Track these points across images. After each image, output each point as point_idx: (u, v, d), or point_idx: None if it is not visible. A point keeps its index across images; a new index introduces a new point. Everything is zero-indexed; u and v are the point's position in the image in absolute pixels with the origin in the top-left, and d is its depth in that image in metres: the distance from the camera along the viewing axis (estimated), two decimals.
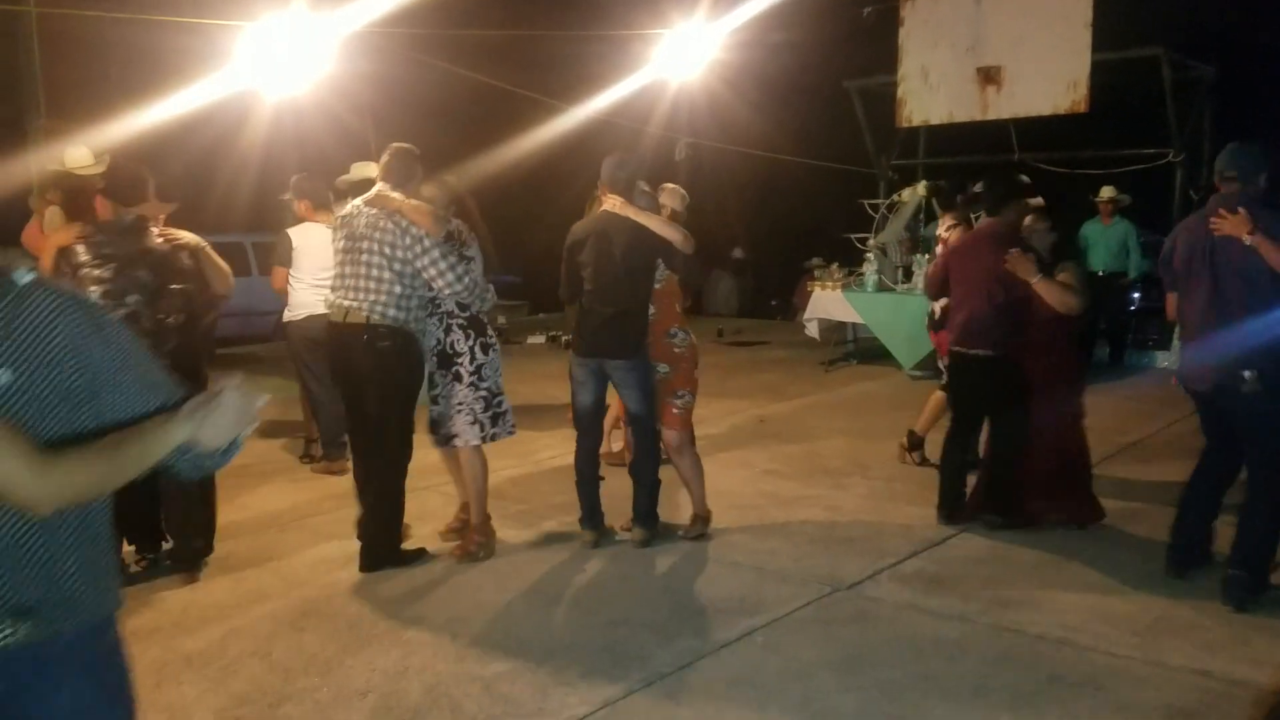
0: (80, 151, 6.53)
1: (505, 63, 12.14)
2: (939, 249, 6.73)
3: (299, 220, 6.60)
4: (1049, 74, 10.94)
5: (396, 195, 4.81)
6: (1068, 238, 9.37)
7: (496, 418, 5.04)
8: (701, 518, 5.40)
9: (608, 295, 5.08)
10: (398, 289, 4.75)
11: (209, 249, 4.97)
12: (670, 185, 6.18)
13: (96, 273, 4.58)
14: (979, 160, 12.00)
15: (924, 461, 6.75)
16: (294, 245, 6.47)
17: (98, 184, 5.56)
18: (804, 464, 6.93)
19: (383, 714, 3.52)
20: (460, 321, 4.96)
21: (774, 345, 12.82)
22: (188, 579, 4.82)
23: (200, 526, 4.95)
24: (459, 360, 4.96)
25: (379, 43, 10.73)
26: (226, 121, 10.57)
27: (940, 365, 6.83)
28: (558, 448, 7.24)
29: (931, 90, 11.78)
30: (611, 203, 5.10)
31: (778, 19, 11.61)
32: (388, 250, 4.74)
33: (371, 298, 4.74)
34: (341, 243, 4.88)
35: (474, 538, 5.07)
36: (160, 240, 4.77)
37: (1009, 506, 5.46)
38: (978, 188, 6.05)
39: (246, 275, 10.89)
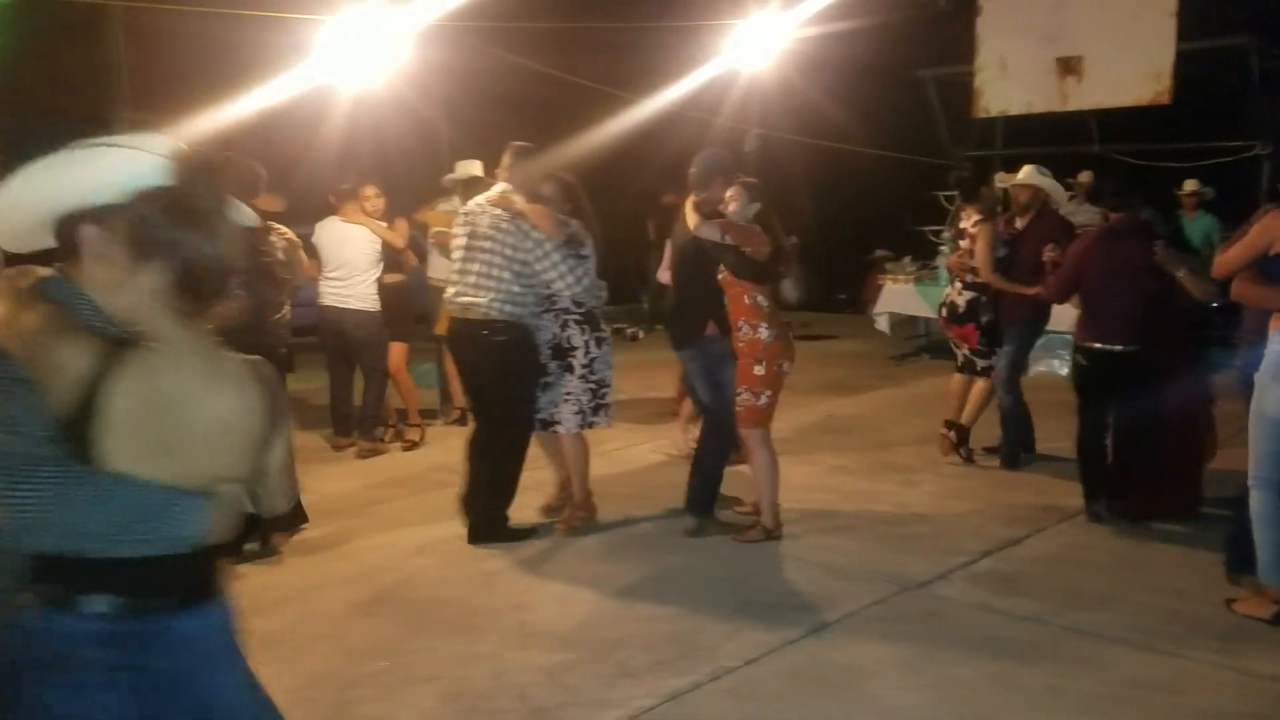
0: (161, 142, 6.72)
1: (575, 54, 12.17)
2: (965, 243, 6.52)
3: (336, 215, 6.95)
4: (1131, 64, 10.64)
5: (519, 197, 4.99)
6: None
7: (599, 408, 5.26)
8: (764, 525, 5.20)
9: (675, 286, 5.46)
10: (516, 288, 4.97)
11: (300, 245, 5.42)
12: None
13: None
14: (1058, 152, 11.74)
15: (970, 458, 6.66)
16: (315, 237, 6.86)
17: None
18: (873, 460, 6.86)
19: (450, 700, 3.57)
20: (576, 317, 5.17)
21: (842, 339, 12.70)
22: (286, 539, 5.07)
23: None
24: (573, 353, 5.17)
25: (451, 35, 10.82)
26: (305, 114, 10.75)
27: (959, 355, 6.69)
28: (623, 439, 7.26)
29: (1009, 80, 11.54)
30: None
31: (852, 6, 11.46)
32: (509, 251, 4.95)
33: (490, 295, 4.96)
34: (464, 240, 5.06)
35: (577, 513, 5.35)
36: (271, 234, 5.10)
37: (1133, 500, 5.45)
38: (1083, 178, 6.04)
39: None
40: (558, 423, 5.23)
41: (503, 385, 5.09)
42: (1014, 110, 11.78)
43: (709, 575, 4.76)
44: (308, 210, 7.17)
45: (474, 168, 7.14)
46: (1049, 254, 6.01)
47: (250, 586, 4.59)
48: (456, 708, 3.51)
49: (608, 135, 11.42)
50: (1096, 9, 10.91)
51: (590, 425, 5.28)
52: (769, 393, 5.10)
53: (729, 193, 5.14)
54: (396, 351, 7.18)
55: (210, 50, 11.50)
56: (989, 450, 6.71)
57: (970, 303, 6.52)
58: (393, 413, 7.40)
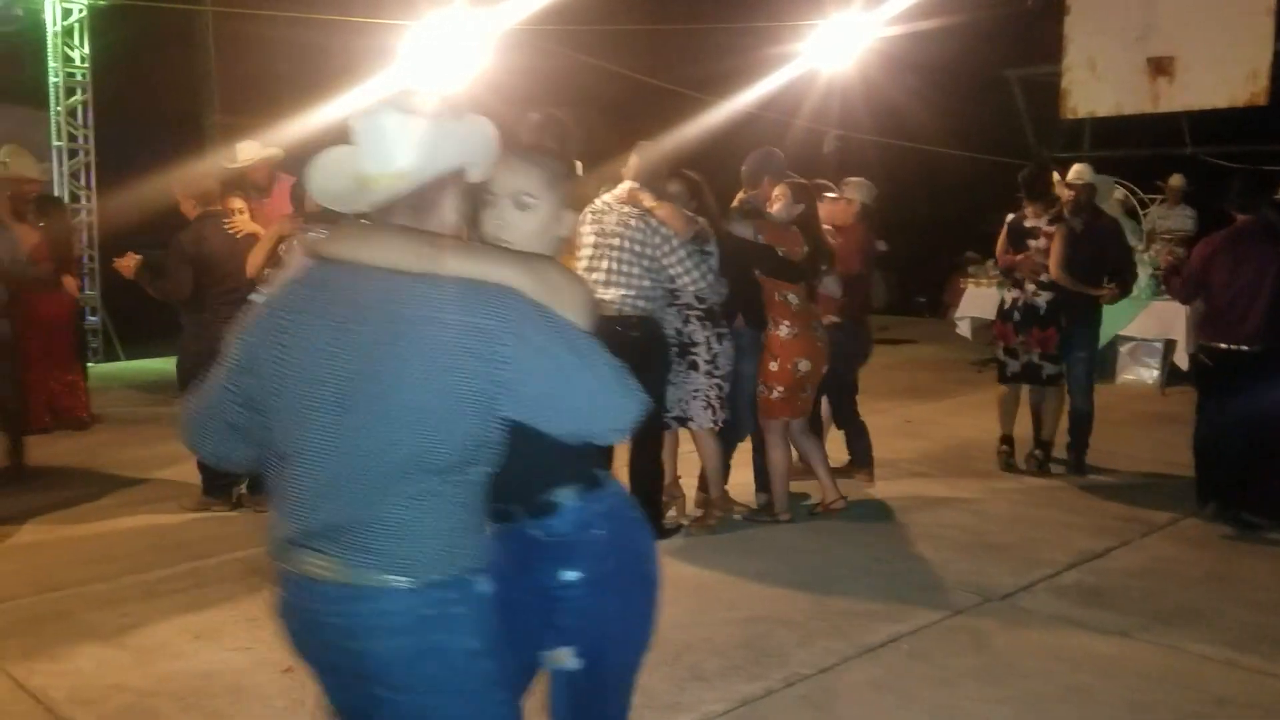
0: (251, 145, 6.88)
1: (653, 56, 12.20)
2: (1042, 242, 6.31)
3: None
4: (1225, 64, 10.30)
5: (648, 195, 5.02)
6: None
7: (725, 403, 5.26)
8: (763, 508, 5.56)
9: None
10: (646, 283, 5.00)
11: None
12: (854, 179, 6.38)
13: None
14: (1148, 154, 11.43)
15: (1043, 466, 6.50)
16: None
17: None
18: (952, 467, 6.73)
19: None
20: (698, 313, 5.19)
21: (921, 343, 12.51)
22: None
23: None
24: (695, 349, 5.19)
25: (530, 39, 10.93)
26: None
27: (1018, 363, 6.42)
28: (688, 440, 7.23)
29: (1098, 80, 11.25)
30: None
31: (936, 5, 11.30)
32: (637, 248, 4.98)
33: (622, 292, 4.99)
34: (591, 238, 5.12)
35: (713, 512, 5.39)
36: None
37: (1251, 501, 5.42)
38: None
39: None
40: (690, 419, 5.26)
41: (645, 384, 5.09)
42: (1103, 111, 11.49)
43: (781, 579, 4.71)
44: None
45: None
46: (1168, 257, 6.02)
47: None
48: (528, 703, 3.52)
49: (685, 137, 11.41)
50: (1189, 8, 10.59)
51: (725, 422, 5.28)
52: (780, 388, 5.36)
53: (775, 192, 5.42)
54: None
55: (296, 55, 11.77)
56: (1043, 459, 6.54)
57: (1051, 304, 6.32)
58: None
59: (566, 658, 2.05)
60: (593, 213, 5.16)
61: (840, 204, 6.16)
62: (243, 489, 5.60)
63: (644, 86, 11.85)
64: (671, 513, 5.45)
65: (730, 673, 3.76)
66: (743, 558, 5.00)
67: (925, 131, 12.97)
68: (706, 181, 5.36)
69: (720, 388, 5.23)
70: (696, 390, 5.21)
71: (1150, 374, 9.70)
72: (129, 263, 5.74)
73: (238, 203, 5.82)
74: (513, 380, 1.78)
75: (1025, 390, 6.57)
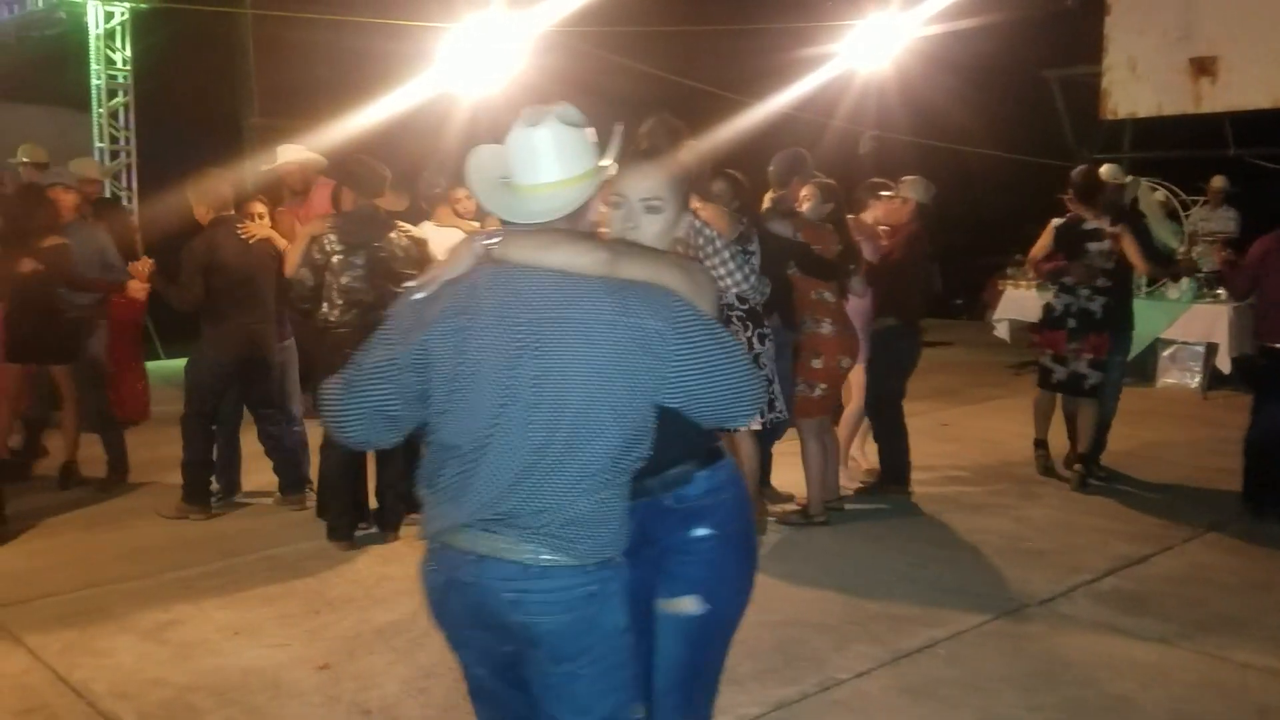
0: (292, 149, 6.94)
1: (688, 57, 12.18)
2: (1106, 245, 6.05)
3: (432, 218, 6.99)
4: (1269, 64, 10.13)
5: (693, 194, 4.96)
6: None
7: (771, 404, 5.17)
8: (807, 511, 5.49)
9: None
10: None
11: (429, 243, 5.50)
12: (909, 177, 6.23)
13: (350, 259, 5.09)
14: (1190, 156, 11.26)
15: (1106, 477, 6.33)
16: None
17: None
18: (990, 471, 6.67)
19: None
20: (739, 313, 5.11)
21: (958, 346, 12.41)
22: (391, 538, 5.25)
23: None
24: None
25: (565, 41, 10.95)
26: (425, 121, 10.99)
27: (1064, 370, 6.16)
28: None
29: (1139, 81, 11.10)
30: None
31: (974, 5, 11.21)
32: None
33: None
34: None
35: (759, 518, 5.30)
36: (397, 232, 5.27)
37: None
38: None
39: None
40: None
41: None
42: (1143, 112, 11.34)
43: (815, 584, 4.69)
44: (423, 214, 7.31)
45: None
46: (1221, 255, 6.01)
47: (367, 579, 4.71)
48: None
49: (721, 138, 11.38)
50: (1233, 7, 10.42)
51: (770, 424, 5.19)
52: (824, 386, 5.34)
53: (804, 192, 5.41)
54: None
55: (334, 59, 11.85)
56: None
57: (1106, 308, 6.09)
58: None
59: (691, 604, 2.25)
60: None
61: (895, 203, 6.05)
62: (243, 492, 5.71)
63: (679, 87, 11.83)
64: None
65: (765, 676, 3.74)
66: (776, 561, 4.97)
67: (963, 132, 12.87)
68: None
69: (764, 388, 5.21)
70: None
71: (1192, 378, 9.56)
72: (143, 268, 5.66)
73: (258, 207, 5.75)
74: (675, 375, 2.00)
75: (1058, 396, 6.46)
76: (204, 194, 5.62)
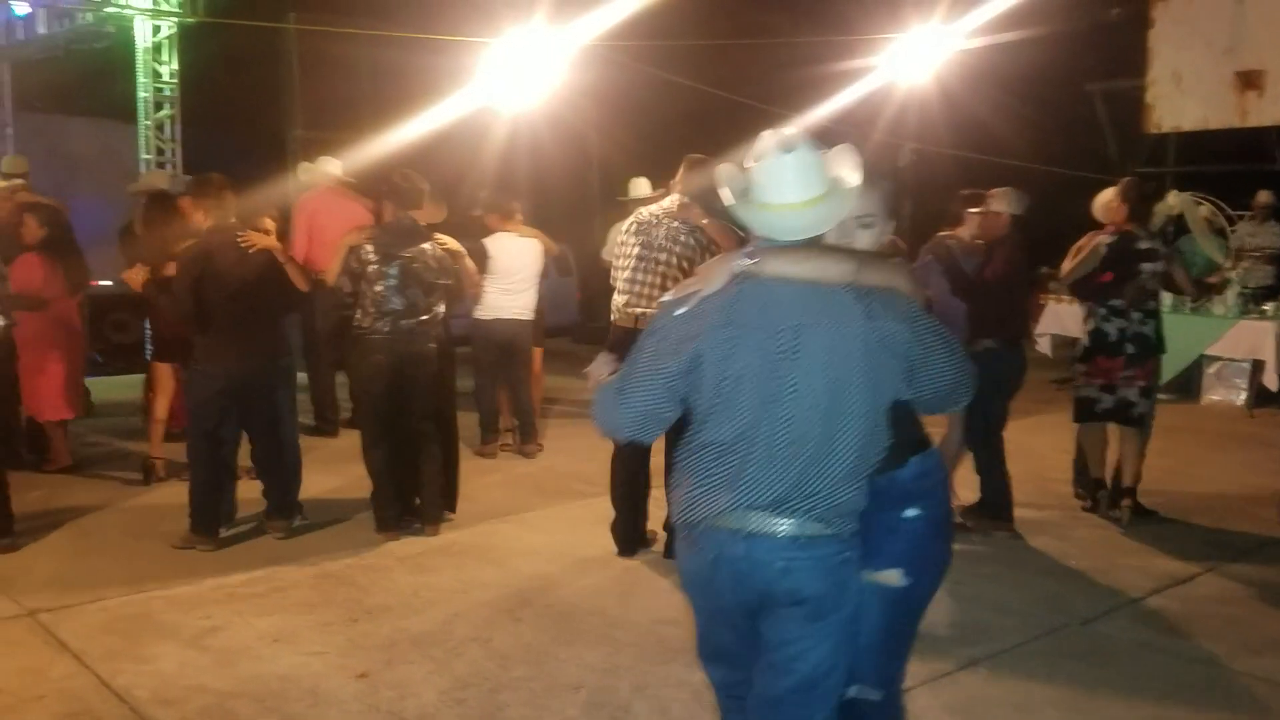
0: (333, 162, 7.06)
1: (727, 70, 12.20)
2: (1160, 265, 5.74)
3: (490, 232, 7.11)
4: None
5: (698, 209, 4.96)
6: None
7: None
8: None
9: None
10: None
11: (465, 255, 5.67)
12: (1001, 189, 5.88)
13: (383, 269, 5.28)
14: (1235, 170, 11.11)
15: (1142, 511, 5.87)
16: (489, 254, 6.95)
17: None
18: (1031, 487, 6.58)
19: (594, 709, 3.59)
20: None
21: None
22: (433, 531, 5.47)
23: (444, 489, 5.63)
24: None
25: (604, 55, 11.00)
26: (465, 134, 11.08)
27: (1110, 398, 5.76)
28: None
29: (1184, 94, 10.96)
30: None
31: (1017, 18, 11.13)
32: (685, 263, 4.94)
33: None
34: (636, 249, 5.07)
35: None
36: (433, 243, 5.41)
37: None
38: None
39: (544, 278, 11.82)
40: None
41: None
42: (1188, 126, 11.20)
43: None
44: (471, 226, 7.41)
45: (643, 188, 7.34)
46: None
47: (403, 588, 4.73)
48: (599, 718, 3.53)
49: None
50: (1279, 20, 10.28)
51: None
52: None
53: None
54: (538, 357, 7.44)
55: (376, 73, 12.00)
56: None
57: (1156, 332, 5.76)
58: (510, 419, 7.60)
59: (896, 577, 2.48)
60: (639, 224, 5.09)
61: (989, 216, 5.68)
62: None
63: (719, 101, 11.85)
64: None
65: None
66: None
67: (1004, 145, 12.78)
68: None
69: None
70: None
71: (1237, 395, 9.41)
72: (136, 276, 5.51)
73: (268, 223, 5.55)
74: (911, 370, 2.31)
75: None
76: (202, 199, 5.36)
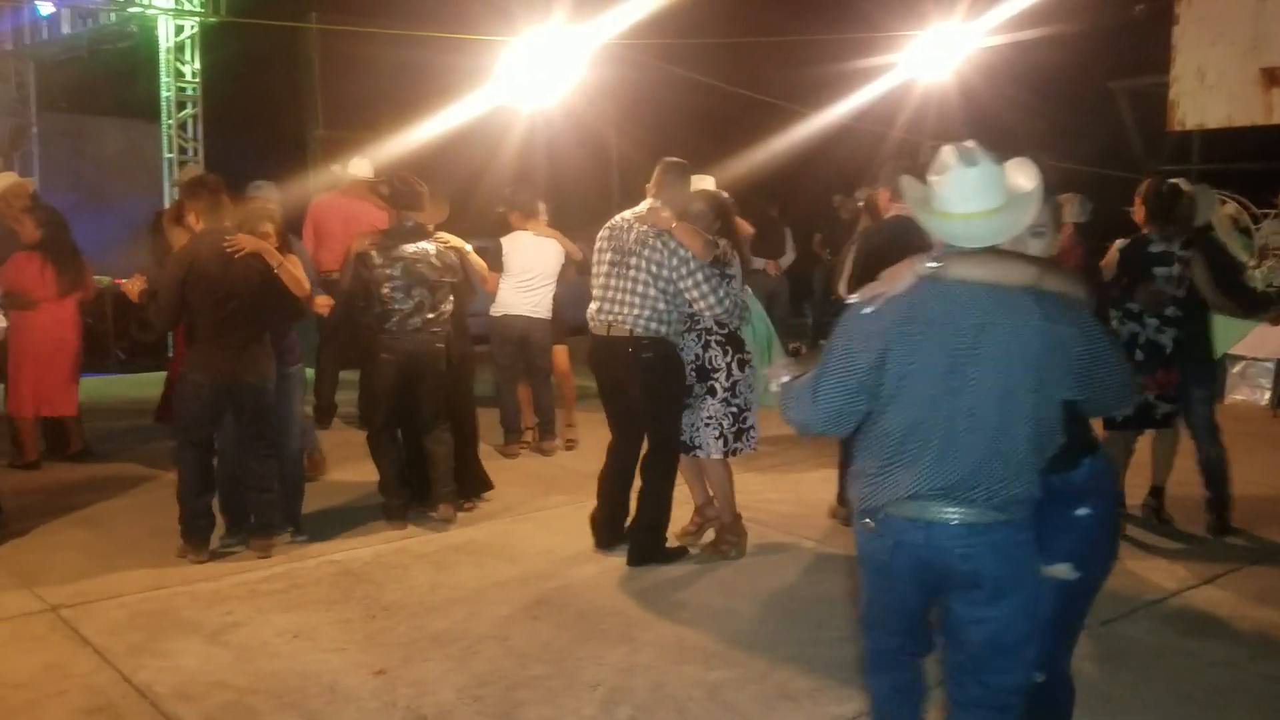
0: (362, 164, 7.09)
1: (747, 68, 12.17)
2: (1175, 270, 5.48)
3: (510, 229, 7.13)
4: None
5: (668, 214, 4.89)
6: None
7: (741, 433, 5.09)
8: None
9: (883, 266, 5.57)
10: (661, 305, 4.89)
11: (470, 252, 5.76)
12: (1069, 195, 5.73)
13: (387, 271, 5.44)
14: (1260, 169, 10.98)
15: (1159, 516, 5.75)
16: (504, 251, 6.99)
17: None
18: None
19: (610, 708, 3.59)
20: (718, 338, 5.04)
21: None
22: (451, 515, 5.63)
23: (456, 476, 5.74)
24: (715, 375, 5.04)
25: (623, 53, 11.01)
26: (484, 133, 11.10)
27: (1151, 398, 5.49)
28: (781, 456, 7.20)
29: (1208, 92, 10.87)
30: (903, 207, 5.21)
31: (1039, 15, 11.06)
32: (654, 268, 4.87)
33: (635, 311, 4.89)
34: (609, 255, 5.01)
35: (726, 537, 5.18)
36: (435, 242, 5.54)
37: None
38: None
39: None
40: (698, 447, 5.08)
41: (650, 404, 4.99)
42: (1212, 124, 11.10)
43: None
44: (488, 224, 7.44)
45: (707, 182, 7.45)
46: None
47: (421, 585, 4.75)
48: (617, 717, 3.54)
49: (777, 148, 11.36)
50: None
51: (734, 452, 5.09)
52: None
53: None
54: (562, 354, 7.38)
55: (397, 73, 12.03)
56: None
57: (1177, 342, 5.53)
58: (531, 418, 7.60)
59: (1066, 571, 2.68)
60: (611, 229, 5.04)
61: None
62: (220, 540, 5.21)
63: (738, 98, 11.83)
64: (709, 534, 5.29)
65: (819, 694, 3.71)
66: (834, 576, 4.93)
67: (1026, 143, 12.68)
68: (784, 198, 5.31)
69: (737, 416, 5.03)
70: (710, 417, 5.02)
71: (1261, 395, 9.33)
72: (133, 285, 5.34)
73: (266, 226, 5.18)
74: (1080, 372, 2.48)
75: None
76: (195, 201, 5.12)
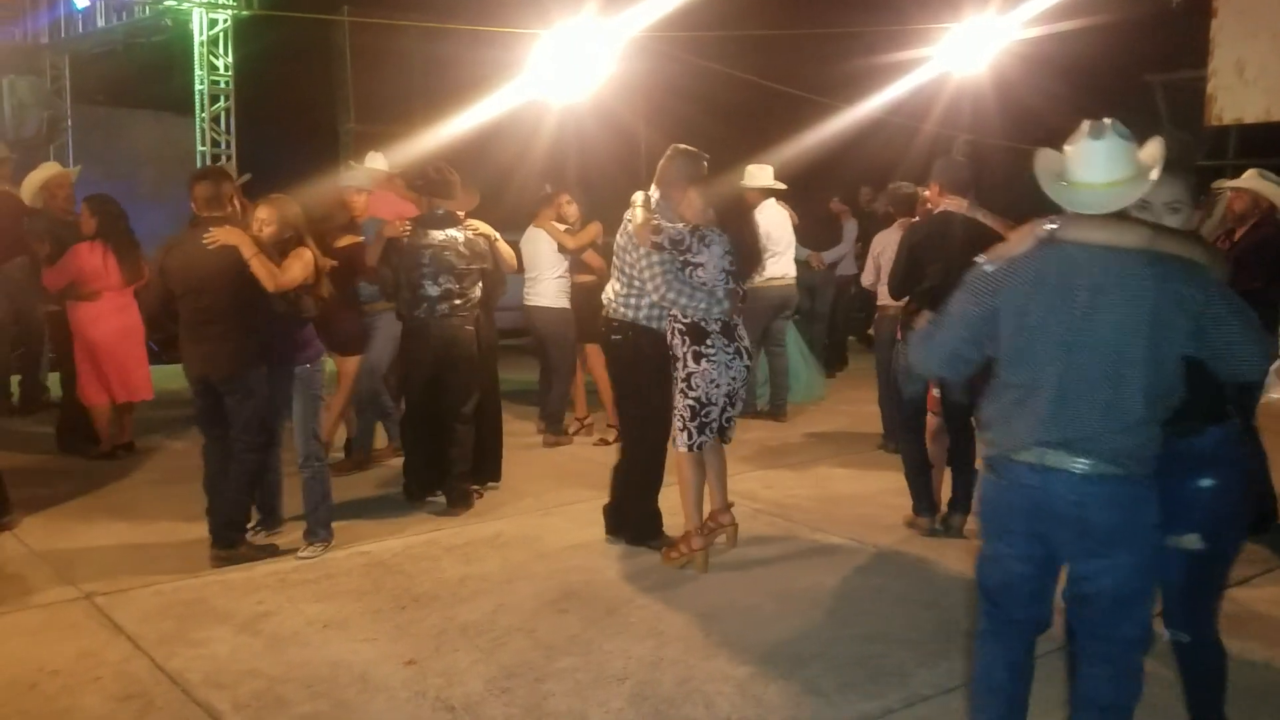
0: (378, 158, 7.11)
1: (778, 60, 12.11)
2: None
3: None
4: None
5: (639, 205, 4.92)
6: None
7: (704, 427, 4.87)
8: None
9: (945, 292, 5.34)
10: (627, 290, 5.00)
11: (498, 238, 5.86)
12: None
13: (417, 258, 5.58)
14: None
15: None
16: (520, 243, 7.21)
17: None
18: None
19: (638, 701, 3.59)
20: (680, 326, 4.87)
21: None
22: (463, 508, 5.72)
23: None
24: (676, 363, 4.91)
25: (653, 45, 10.98)
26: (515, 126, 11.10)
27: None
28: (810, 453, 7.17)
29: (1247, 86, 10.70)
30: (954, 203, 5.28)
31: (1074, 7, 10.93)
32: (623, 255, 5.01)
33: (612, 294, 5.08)
34: (616, 251, 5.14)
35: (680, 545, 4.93)
36: (464, 230, 5.68)
37: None
38: None
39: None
40: (673, 436, 4.95)
41: (624, 385, 5.18)
42: (1251, 118, 10.93)
43: (902, 596, 4.61)
44: (519, 218, 7.49)
45: (763, 175, 7.56)
46: None
47: (450, 577, 4.77)
48: (644, 710, 3.53)
49: (809, 142, 11.29)
50: None
51: (699, 447, 4.86)
52: None
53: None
54: (594, 353, 7.38)
55: (428, 66, 12.06)
56: None
57: None
58: (584, 409, 7.74)
59: (1194, 541, 2.81)
60: (624, 223, 5.07)
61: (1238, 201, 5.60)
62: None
63: (770, 91, 11.77)
64: (721, 539, 5.13)
65: (847, 690, 3.69)
66: (868, 574, 4.91)
67: (1060, 137, 12.56)
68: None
69: (695, 410, 4.80)
70: (675, 408, 4.89)
71: None
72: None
73: (261, 212, 5.05)
74: (1201, 332, 2.57)
75: None
76: (194, 188, 5.00)
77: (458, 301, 5.62)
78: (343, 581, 4.69)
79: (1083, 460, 2.60)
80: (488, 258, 5.76)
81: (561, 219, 7.28)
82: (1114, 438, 2.58)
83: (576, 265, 7.39)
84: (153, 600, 4.45)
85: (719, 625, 4.24)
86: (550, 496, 6.12)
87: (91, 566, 4.83)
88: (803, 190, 8.94)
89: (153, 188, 12.99)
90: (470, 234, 5.69)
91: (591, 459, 7.05)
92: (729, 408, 4.97)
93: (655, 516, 5.20)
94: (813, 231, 9.22)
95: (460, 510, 5.71)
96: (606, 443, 7.31)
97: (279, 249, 4.97)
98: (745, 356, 4.96)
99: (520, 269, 7.02)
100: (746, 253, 4.96)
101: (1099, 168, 2.63)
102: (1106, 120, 2.67)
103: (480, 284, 5.74)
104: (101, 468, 6.63)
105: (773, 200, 7.89)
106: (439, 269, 5.57)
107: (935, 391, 5.38)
